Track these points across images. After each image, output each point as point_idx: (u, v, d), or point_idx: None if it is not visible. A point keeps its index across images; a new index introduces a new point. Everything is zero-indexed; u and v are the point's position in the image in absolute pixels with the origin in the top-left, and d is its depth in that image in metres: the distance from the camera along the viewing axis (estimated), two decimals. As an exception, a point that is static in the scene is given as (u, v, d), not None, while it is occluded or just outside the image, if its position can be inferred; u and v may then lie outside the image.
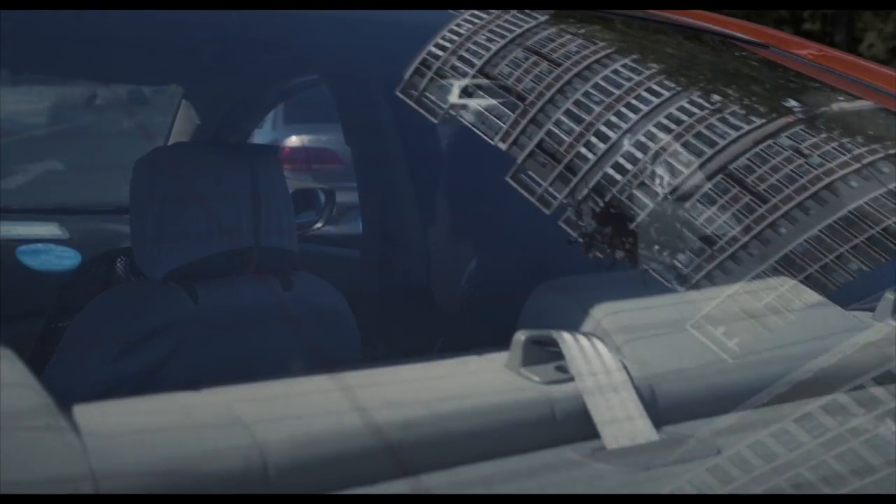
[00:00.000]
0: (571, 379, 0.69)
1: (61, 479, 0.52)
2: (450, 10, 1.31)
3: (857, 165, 1.29)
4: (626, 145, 1.28)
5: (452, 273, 1.85)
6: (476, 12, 1.31)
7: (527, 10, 1.37)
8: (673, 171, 1.27)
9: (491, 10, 1.32)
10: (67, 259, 2.31)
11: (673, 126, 1.35)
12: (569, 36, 1.39)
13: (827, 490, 0.66)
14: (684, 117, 1.37)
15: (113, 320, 1.40)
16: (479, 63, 1.24)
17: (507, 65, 1.26)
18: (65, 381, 1.34)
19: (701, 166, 1.31)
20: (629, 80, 1.32)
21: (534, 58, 1.28)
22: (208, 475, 0.56)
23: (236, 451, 0.57)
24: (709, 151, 1.31)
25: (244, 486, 0.56)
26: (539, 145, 1.20)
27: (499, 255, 1.78)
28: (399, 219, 1.98)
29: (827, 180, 1.27)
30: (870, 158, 1.29)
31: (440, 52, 1.24)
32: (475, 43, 1.26)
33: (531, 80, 1.25)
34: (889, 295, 0.92)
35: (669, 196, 1.23)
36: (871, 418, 0.79)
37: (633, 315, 0.80)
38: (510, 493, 0.61)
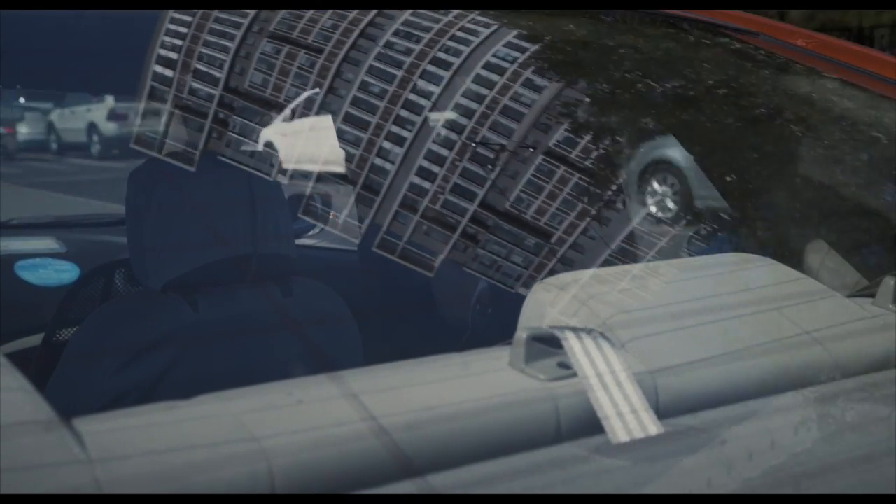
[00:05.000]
0: (575, 375, 0.69)
1: (66, 491, 0.51)
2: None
3: (854, 151, 1.29)
4: (620, 143, 1.28)
5: (453, 274, 1.85)
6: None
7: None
8: (678, 170, 1.27)
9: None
10: (66, 273, 2.31)
11: (663, 118, 1.35)
12: (570, 32, 1.39)
13: (829, 479, 0.66)
14: (683, 113, 1.36)
15: (113, 332, 1.40)
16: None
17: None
18: (67, 395, 1.34)
19: (694, 159, 1.31)
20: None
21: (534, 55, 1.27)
22: (214, 483, 0.55)
23: (241, 457, 0.57)
24: (698, 144, 1.31)
25: (250, 493, 0.56)
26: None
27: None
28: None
29: (824, 168, 1.27)
30: (865, 145, 1.29)
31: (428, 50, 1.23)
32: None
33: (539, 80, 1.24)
34: (889, 281, 0.92)
35: (673, 193, 1.23)
36: (872, 406, 0.79)
37: (634, 309, 0.80)
38: (516, 491, 0.61)
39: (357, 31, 1.16)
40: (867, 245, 1.18)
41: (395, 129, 1.13)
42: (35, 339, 1.81)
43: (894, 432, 0.74)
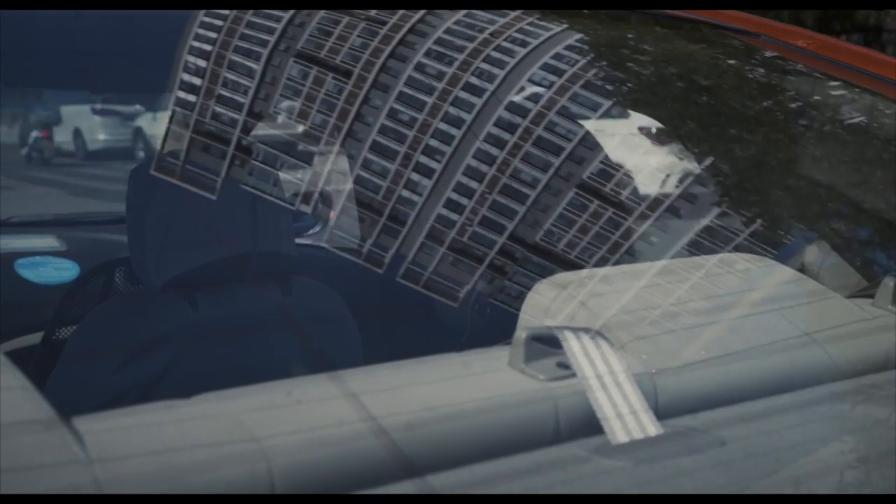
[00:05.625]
0: (574, 375, 0.69)
1: (66, 490, 0.51)
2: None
3: (854, 152, 1.29)
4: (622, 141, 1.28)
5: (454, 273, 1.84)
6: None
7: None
8: (673, 166, 1.27)
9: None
10: (66, 271, 2.31)
11: (665, 119, 1.35)
12: (557, 31, 1.39)
13: (828, 480, 0.66)
14: (677, 112, 1.37)
15: (113, 331, 1.40)
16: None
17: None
18: (67, 393, 1.34)
19: (696, 160, 1.31)
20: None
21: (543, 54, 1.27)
22: (214, 482, 0.55)
23: (241, 457, 0.57)
24: (698, 145, 1.31)
25: (250, 492, 0.56)
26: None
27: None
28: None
29: (825, 169, 1.27)
30: (866, 144, 1.29)
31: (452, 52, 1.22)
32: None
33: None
34: (888, 281, 0.92)
35: (670, 191, 1.23)
36: (872, 407, 0.79)
37: (634, 309, 0.80)
38: (516, 491, 0.61)
39: (386, 52, 1.14)
40: (867, 245, 1.18)
41: (423, 159, 1.10)
42: (35, 338, 1.81)
43: (894, 433, 0.74)
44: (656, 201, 1.19)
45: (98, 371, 1.35)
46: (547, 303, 0.80)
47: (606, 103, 1.27)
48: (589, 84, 1.26)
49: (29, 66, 1.60)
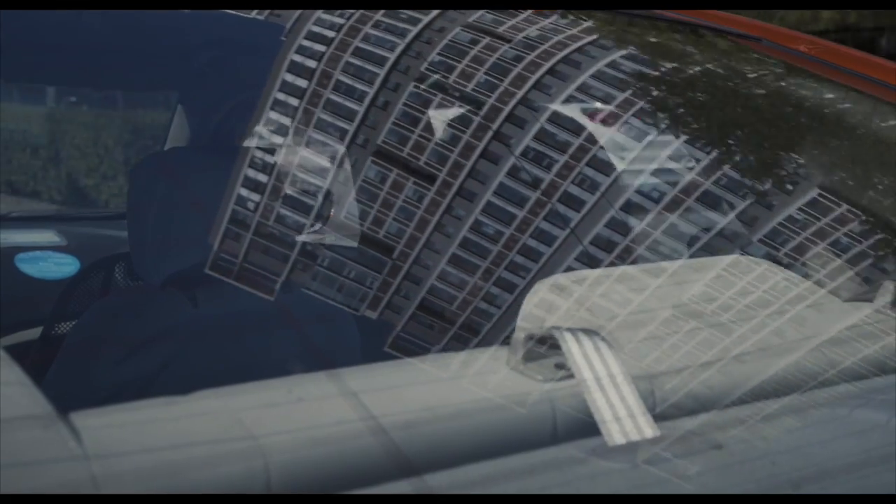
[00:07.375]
0: (572, 376, 0.69)
1: (62, 486, 0.51)
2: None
3: (855, 155, 1.29)
4: (621, 143, 1.27)
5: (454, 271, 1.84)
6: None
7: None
8: (671, 169, 1.27)
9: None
10: (66, 266, 2.31)
11: (668, 123, 1.35)
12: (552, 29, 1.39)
13: (826, 484, 0.66)
14: (676, 115, 1.36)
15: (112, 327, 1.40)
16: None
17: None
18: (65, 388, 1.34)
19: (696, 162, 1.31)
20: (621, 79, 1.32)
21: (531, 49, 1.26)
22: (210, 479, 0.56)
23: (238, 454, 0.57)
24: (702, 148, 1.31)
25: (246, 489, 0.56)
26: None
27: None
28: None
29: (825, 173, 1.27)
30: (866, 148, 1.29)
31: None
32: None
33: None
34: (888, 285, 0.92)
35: (668, 193, 1.23)
36: (871, 411, 0.79)
37: (632, 311, 0.80)
38: (512, 491, 0.61)
39: (475, 156, 1.05)
40: (867, 249, 1.18)
41: (506, 274, 1.01)
42: (34, 333, 1.81)
43: (893, 437, 0.74)
44: (661, 208, 1.18)
45: (96, 367, 1.35)
46: (546, 304, 0.80)
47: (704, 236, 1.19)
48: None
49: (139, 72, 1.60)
